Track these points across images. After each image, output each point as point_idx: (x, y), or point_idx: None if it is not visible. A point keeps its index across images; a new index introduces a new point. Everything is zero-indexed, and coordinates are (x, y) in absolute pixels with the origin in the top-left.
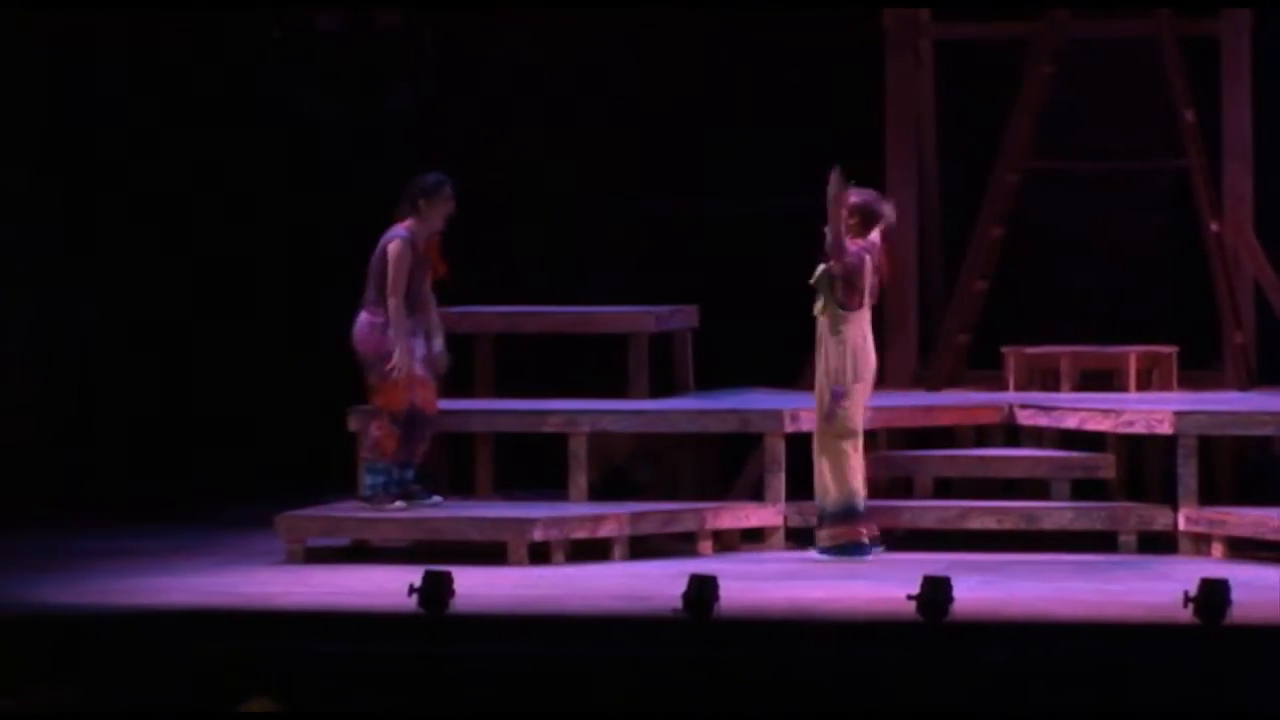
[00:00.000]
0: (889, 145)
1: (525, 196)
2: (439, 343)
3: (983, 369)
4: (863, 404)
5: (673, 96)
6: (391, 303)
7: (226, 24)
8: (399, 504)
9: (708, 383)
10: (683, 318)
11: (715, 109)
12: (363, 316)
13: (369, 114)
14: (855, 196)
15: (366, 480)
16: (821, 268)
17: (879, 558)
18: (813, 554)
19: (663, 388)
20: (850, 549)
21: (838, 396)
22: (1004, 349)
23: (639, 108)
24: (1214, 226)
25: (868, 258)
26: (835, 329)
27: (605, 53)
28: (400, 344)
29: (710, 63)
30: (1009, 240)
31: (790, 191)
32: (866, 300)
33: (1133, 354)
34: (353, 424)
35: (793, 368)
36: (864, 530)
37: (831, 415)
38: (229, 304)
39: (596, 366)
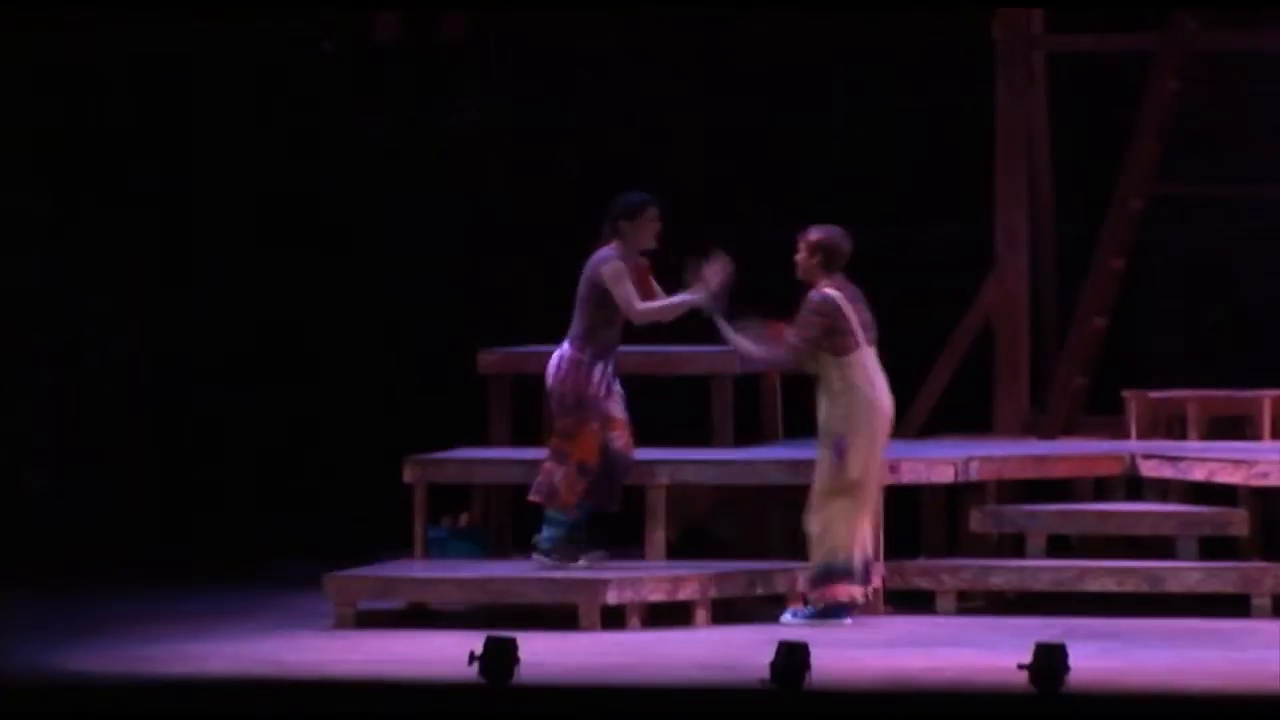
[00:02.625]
0: (999, 167)
1: (593, 225)
2: None
3: (1102, 415)
4: (873, 454)
5: (758, 118)
6: (640, 308)
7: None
8: (582, 562)
9: (799, 430)
10: None
11: (806, 130)
12: (564, 349)
13: (430, 133)
14: (816, 233)
15: (545, 532)
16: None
17: (984, 622)
18: (785, 616)
19: (749, 435)
20: (830, 612)
21: (840, 447)
22: (1125, 393)
23: (718, 131)
24: None
25: (838, 295)
26: (835, 375)
27: (685, 70)
28: (683, 301)
29: (802, 80)
30: (1131, 272)
31: (889, 219)
32: (862, 339)
33: (1267, 399)
34: (408, 475)
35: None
36: (851, 591)
37: (833, 468)
38: (277, 348)
39: (676, 411)
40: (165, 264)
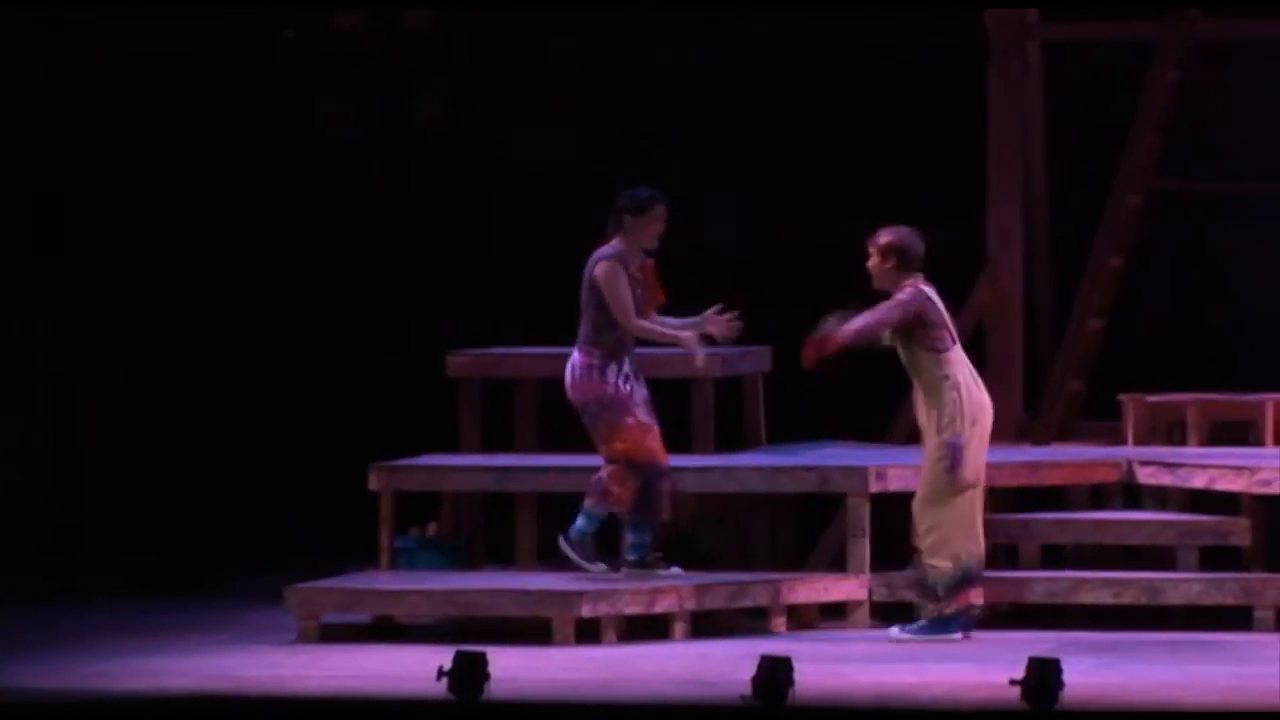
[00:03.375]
0: (991, 163)
1: (571, 223)
2: None
3: (1098, 419)
4: (981, 452)
5: (738, 111)
6: (635, 322)
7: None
8: (600, 565)
9: (782, 435)
10: (753, 360)
11: (788, 123)
12: (576, 357)
13: (393, 129)
14: (887, 235)
15: (576, 523)
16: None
17: (975, 636)
18: (899, 633)
19: (731, 441)
20: (961, 621)
21: (957, 449)
22: (1122, 397)
23: (703, 123)
24: None
25: (924, 290)
26: (940, 374)
27: (669, 63)
28: (677, 338)
29: (781, 73)
30: (1129, 272)
31: (874, 215)
32: (955, 336)
33: (1270, 402)
34: (374, 483)
35: (880, 418)
36: (980, 596)
37: (950, 470)
38: (240, 345)
39: (656, 415)
40: (130, 266)
